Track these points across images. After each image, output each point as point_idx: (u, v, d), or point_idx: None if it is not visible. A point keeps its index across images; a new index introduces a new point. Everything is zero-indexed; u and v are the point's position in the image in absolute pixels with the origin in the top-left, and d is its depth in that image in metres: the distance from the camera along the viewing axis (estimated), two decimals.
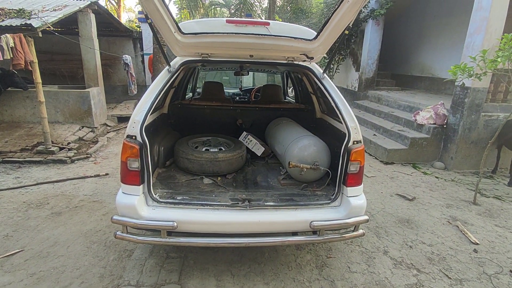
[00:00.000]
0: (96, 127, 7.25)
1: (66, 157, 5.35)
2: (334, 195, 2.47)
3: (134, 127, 2.26)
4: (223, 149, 3.09)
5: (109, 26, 10.04)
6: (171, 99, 3.48)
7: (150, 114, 2.68)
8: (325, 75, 2.73)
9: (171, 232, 2.25)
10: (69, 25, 8.99)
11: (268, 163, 3.34)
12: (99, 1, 7.48)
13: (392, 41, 10.27)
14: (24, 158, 5.23)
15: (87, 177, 4.63)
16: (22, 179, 4.55)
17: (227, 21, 2.52)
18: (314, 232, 2.36)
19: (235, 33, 2.44)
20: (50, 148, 5.51)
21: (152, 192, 2.34)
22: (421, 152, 5.75)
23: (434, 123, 5.74)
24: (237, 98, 5.78)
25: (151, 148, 2.73)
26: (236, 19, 2.65)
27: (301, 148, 2.60)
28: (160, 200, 2.32)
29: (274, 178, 2.91)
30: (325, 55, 2.68)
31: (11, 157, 5.21)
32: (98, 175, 4.70)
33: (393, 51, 10.49)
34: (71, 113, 7.01)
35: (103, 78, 8.11)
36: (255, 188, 2.68)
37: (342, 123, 2.59)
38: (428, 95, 8.32)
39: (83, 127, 7.06)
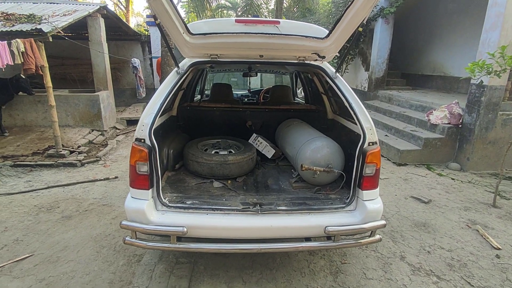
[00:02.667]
0: (105, 130, 7.29)
1: (76, 160, 5.37)
2: (349, 199, 2.38)
3: (143, 130, 2.21)
4: (233, 152, 3.03)
5: (118, 30, 10.14)
6: (180, 101, 3.44)
7: (159, 117, 2.64)
8: (337, 74, 2.65)
9: (181, 238, 2.19)
10: (79, 30, 9.11)
11: (278, 165, 3.27)
12: (107, 6, 7.55)
13: (402, 39, 10.08)
14: (36, 162, 5.27)
15: (97, 180, 4.63)
16: (34, 182, 4.58)
17: (237, 21, 2.47)
18: (329, 238, 2.27)
19: (245, 33, 2.38)
20: (61, 151, 5.55)
21: (162, 196, 2.29)
22: (435, 153, 5.58)
23: (449, 123, 5.57)
24: (246, 99, 5.73)
25: (160, 151, 2.68)
26: (246, 18, 2.59)
27: (314, 150, 2.52)
28: (169, 204, 2.26)
29: (285, 181, 2.83)
30: (337, 54, 2.59)
31: (23, 161, 5.26)
32: (107, 178, 4.70)
33: (403, 50, 10.30)
34: (81, 117, 7.07)
35: (112, 81, 8.18)
36: (266, 191, 2.61)
37: (356, 124, 2.50)
38: (440, 94, 8.11)
39: (93, 130, 7.11)
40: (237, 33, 2.38)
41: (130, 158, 2.21)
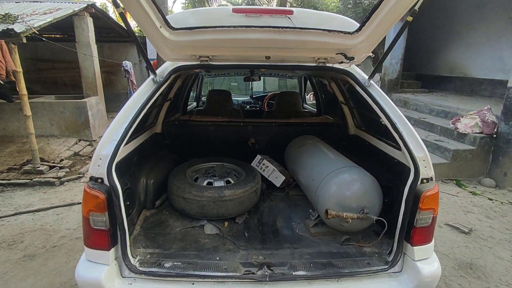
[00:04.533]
0: (94, 140, 6.64)
1: (55, 178, 4.72)
2: (393, 257, 1.70)
3: (99, 165, 1.55)
4: (231, 181, 2.36)
5: (112, 32, 9.52)
6: (166, 114, 2.77)
7: (134, 138, 2.00)
8: (371, 81, 1.97)
9: None
10: (70, 31, 8.51)
11: (289, 195, 2.58)
12: (96, 4, 6.92)
13: (415, 37, 9.34)
14: (9, 180, 4.63)
15: (74, 204, 3.97)
16: (2, 207, 3.94)
17: (234, 11, 1.80)
18: None
19: (246, 27, 1.73)
20: (39, 167, 4.91)
21: (130, 257, 1.62)
22: (465, 166, 4.86)
23: (481, 132, 4.85)
24: (248, 107, 5.05)
25: (135, 184, 2.02)
26: (247, 7, 1.91)
27: (342, 186, 1.83)
28: (140, 269, 1.59)
29: (300, 221, 2.15)
30: (370, 54, 1.92)
31: None
32: None
33: (416, 48, 9.56)
34: (67, 126, 6.42)
35: (106, 86, 7.57)
36: (275, 240, 1.93)
37: (398, 148, 1.84)
38: (462, 97, 7.39)
39: (80, 140, 6.46)
40: (235, 27, 1.72)
41: (82, 206, 1.55)
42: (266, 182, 2.65)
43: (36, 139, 6.19)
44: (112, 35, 9.77)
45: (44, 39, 4.88)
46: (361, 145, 2.65)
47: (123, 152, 1.87)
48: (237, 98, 5.26)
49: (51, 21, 5.25)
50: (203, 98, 4.87)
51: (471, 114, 5.12)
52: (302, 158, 2.43)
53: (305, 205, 2.36)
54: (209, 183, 2.31)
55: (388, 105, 1.83)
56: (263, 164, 2.64)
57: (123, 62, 7.88)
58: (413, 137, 1.70)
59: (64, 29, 8.34)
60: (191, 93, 4.84)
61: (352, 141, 2.82)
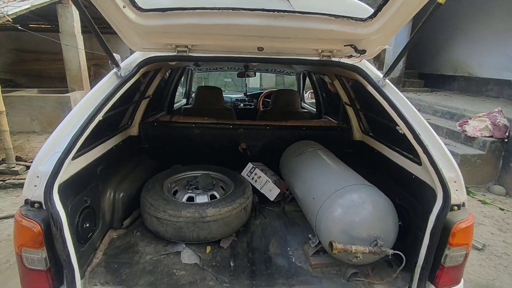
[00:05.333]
0: None
1: None
2: None
3: (37, 185, 1.18)
4: (217, 195, 2.00)
5: (102, 22, 9.00)
6: (144, 114, 2.40)
7: (99, 144, 1.65)
8: (386, 80, 1.61)
9: None
10: (56, 20, 8.04)
11: (285, 211, 2.23)
12: None
13: (419, 35, 8.99)
14: None
15: None
16: None
17: None
18: None
19: (233, 9, 1.37)
20: (14, 167, 4.51)
21: None
22: (473, 172, 4.54)
23: (491, 136, 4.53)
24: (241, 105, 4.68)
25: (97, 200, 1.67)
26: None
27: (350, 209, 1.48)
28: None
29: (298, 247, 1.80)
30: (386, 47, 1.56)
31: None
32: None
33: (419, 46, 9.21)
34: (49, 122, 6.01)
35: (95, 79, 7.11)
36: (267, 273, 1.58)
37: (419, 164, 1.49)
38: (467, 98, 7.07)
39: None
40: (220, 9, 1.36)
41: (13, 239, 1.19)
42: (259, 194, 2.30)
43: (15, 136, 5.79)
44: (102, 25, 9.29)
45: (21, 28, 4.46)
46: (367, 154, 2.30)
47: (80, 163, 1.51)
48: (230, 95, 4.88)
49: (29, 8, 4.81)
50: (193, 94, 4.49)
51: (480, 116, 4.80)
52: (300, 169, 2.07)
53: (304, 225, 2.01)
54: (190, 199, 1.94)
55: (409, 110, 1.48)
56: (255, 174, 2.28)
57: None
58: (442, 152, 1.36)
59: (49, 18, 7.85)
60: (180, 89, 4.47)
61: (356, 148, 2.48)
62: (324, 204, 1.55)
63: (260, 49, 1.62)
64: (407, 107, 1.50)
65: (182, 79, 4.38)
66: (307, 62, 1.70)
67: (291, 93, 3.55)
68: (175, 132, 2.48)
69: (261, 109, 4.50)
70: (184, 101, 4.52)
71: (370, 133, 2.29)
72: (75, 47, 6.10)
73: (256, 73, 4.99)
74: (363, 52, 1.59)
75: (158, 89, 2.63)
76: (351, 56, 1.63)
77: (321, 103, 3.53)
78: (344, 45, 1.56)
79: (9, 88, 7.66)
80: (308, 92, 4.76)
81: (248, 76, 4.63)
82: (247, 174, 2.30)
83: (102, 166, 1.77)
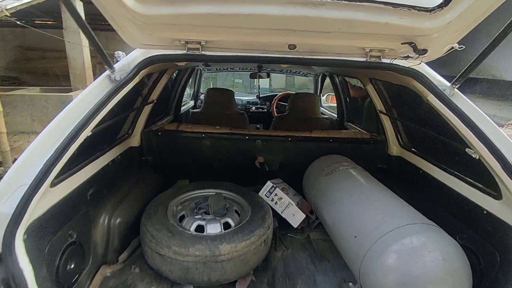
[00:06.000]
0: None
1: None
2: None
3: None
4: (231, 223, 1.66)
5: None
6: (146, 121, 2.07)
7: (88, 162, 1.35)
8: (455, 89, 1.26)
9: None
10: (61, 17, 7.83)
11: (310, 240, 1.89)
12: None
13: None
14: None
15: None
16: None
17: None
18: None
19: None
20: None
21: None
22: None
23: None
24: (254, 108, 4.34)
25: (87, 231, 1.38)
26: None
27: (409, 258, 1.12)
28: None
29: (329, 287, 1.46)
30: (458, 46, 1.21)
31: None
32: None
33: None
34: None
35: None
36: None
37: (498, 199, 1.15)
38: (491, 102, 6.64)
39: None
40: None
41: None
42: (278, 217, 1.96)
43: (15, 137, 5.56)
44: (108, 22, 9.07)
45: (19, 23, 4.21)
46: (407, 173, 1.95)
47: (63, 189, 1.19)
48: (241, 98, 4.55)
49: (30, 2, 4.55)
50: (202, 96, 4.16)
51: None
52: (332, 192, 1.72)
53: (334, 260, 1.67)
54: (199, 227, 1.61)
55: (491, 129, 1.13)
56: (275, 195, 1.94)
57: (115, 52, 7.15)
58: None
59: (54, 14, 7.63)
60: (188, 90, 4.15)
61: (393, 165, 2.12)
62: (372, 248, 1.20)
63: (292, 47, 1.28)
64: (488, 124, 1.15)
65: (190, 80, 4.08)
66: (350, 65, 1.35)
67: (311, 97, 3.20)
68: (182, 142, 2.15)
69: (276, 113, 4.15)
70: (191, 103, 4.19)
71: (413, 149, 1.93)
72: (78, 44, 5.83)
73: (269, 74, 4.65)
74: (423, 52, 1.25)
75: (164, 92, 2.31)
76: (407, 57, 1.28)
77: (343, 109, 3.17)
78: (402, 43, 1.21)
79: (13, 86, 7.48)
80: (326, 95, 4.40)
81: (261, 77, 4.29)
82: (265, 195, 1.96)
83: (94, 188, 1.46)
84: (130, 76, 1.18)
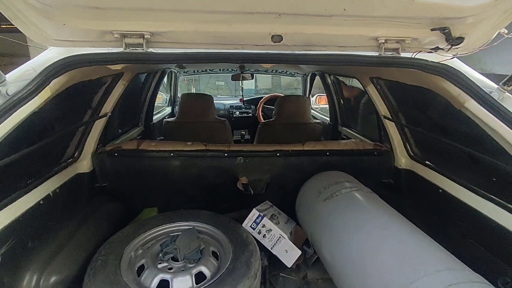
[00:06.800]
0: None
1: None
2: None
3: None
4: (207, 273, 1.27)
5: None
6: (100, 139, 1.65)
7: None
8: (506, 91, 0.91)
9: None
10: None
11: (308, 280, 1.52)
12: None
13: None
14: None
15: None
16: None
17: None
18: None
19: None
20: None
21: None
22: None
23: None
24: (237, 113, 3.95)
25: None
26: None
27: None
28: None
29: None
30: (503, 31, 0.87)
31: None
32: None
33: None
34: None
35: None
36: None
37: None
38: None
39: None
40: None
41: None
42: (268, 252, 1.58)
43: None
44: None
45: None
46: (423, 192, 1.61)
47: None
48: (224, 102, 4.14)
49: None
50: (178, 103, 3.74)
51: None
52: (333, 223, 1.36)
53: None
54: (163, 283, 1.21)
55: None
56: (263, 226, 1.56)
57: None
58: None
59: None
60: (164, 95, 3.74)
61: (401, 179, 1.78)
62: None
63: (277, 38, 0.91)
64: None
65: (165, 83, 3.65)
66: (358, 61, 0.97)
67: (300, 100, 2.83)
68: (146, 164, 1.74)
69: (262, 118, 3.77)
70: (168, 109, 3.77)
71: (427, 161, 1.59)
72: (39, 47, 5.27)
73: (253, 75, 4.27)
74: (458, 41, 0.90)
75: (128, 100, 1.90)
76: (436, 48, 0.93)
77: (337, 112, 2.82)
78: (432, 29, 0.86)
79: None
80: (315, 95, 4.06)
81: (244, 78, 3.90)
82: (251, 226, 1.57)
83: (12, 241, 1.05)
84: (31, 89, 0.77)
